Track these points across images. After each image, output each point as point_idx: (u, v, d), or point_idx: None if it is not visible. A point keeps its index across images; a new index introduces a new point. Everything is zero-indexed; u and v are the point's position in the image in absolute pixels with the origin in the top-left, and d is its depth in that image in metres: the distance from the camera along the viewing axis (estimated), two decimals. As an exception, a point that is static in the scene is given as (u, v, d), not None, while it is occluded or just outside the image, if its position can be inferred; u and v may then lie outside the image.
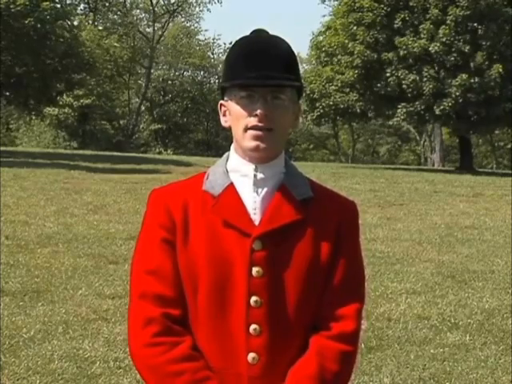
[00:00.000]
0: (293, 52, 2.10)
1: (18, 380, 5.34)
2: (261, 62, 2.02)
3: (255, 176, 2.08)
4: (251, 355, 2.04)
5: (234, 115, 2.07)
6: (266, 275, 2.04)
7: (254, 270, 2.04)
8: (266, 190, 2.09)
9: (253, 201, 2.08)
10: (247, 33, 2.16)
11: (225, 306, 2.04)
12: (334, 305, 2.09)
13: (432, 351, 6.36)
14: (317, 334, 2.08)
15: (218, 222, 2.07)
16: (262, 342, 2.04)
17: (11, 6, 28.63)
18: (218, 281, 2.04)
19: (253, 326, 2.03)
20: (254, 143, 2.04)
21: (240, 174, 2.10)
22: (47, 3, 29.94)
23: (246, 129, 2.04)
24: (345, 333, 2.08)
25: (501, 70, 28.65)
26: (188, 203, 2.10)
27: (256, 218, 2.07)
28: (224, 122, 2.14)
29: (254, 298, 2.03)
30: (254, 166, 2.08)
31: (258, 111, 2.02)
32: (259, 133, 2.03)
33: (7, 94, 31.68)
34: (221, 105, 2.14)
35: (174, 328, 2.05)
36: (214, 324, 2.05)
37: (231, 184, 2.09)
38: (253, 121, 2.03)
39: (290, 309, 2.05)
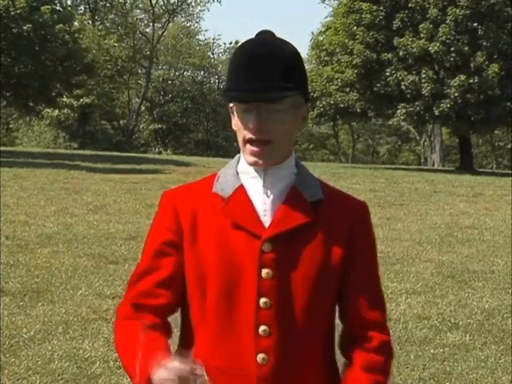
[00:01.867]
0: (295, 56, 2.07)
1: (17, 380, 5.35)
2: (256, 73, 2.00)
3: (265, 178, 2.07)
4: (260, 356, 2.03)
5: (235, 124, 2.08)
6: (276, 277, 2.03)
7: (264, 271, 2.03)
8: (276, 191, 2.08)
9: (263, 202, 2.07)
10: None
11: (234, 307, 2.04)
12: (365, 312, 2.10)
13: (432, 351, 6.36)
14: (358, 346, 2.09)
15: (227, 224, 2.06)
16: (271, 342, 2.03)
17: (11, 9, 28.64)
18: (227, 282, 2.04)
19: (262, 328, 2.03)
20: (252, 159, 2.04)
21: (250, 176, 2.09)
22: (47, 7, 29.95)
23: (245, 141, 2.04)
24: (384, 342, 2.11)
25: (497, 69, 28.64)
26: (197, 206, 2.09)
27: (266, 219, 2.06)
28: (234, 125, 2.13)
29: (263, 300, 2.03)
30: (263, 168, 2.07)
31: (250, 125, 2.01)
32: (256, 149, 2.03)
33: (7, 94, 31.68)
34: (231, 107, 2.14)
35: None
36: (223, 325, 2.05)
37: (241, 186, 2.08)
38: (248, 133, 2.03)
39: (298, 311, 2.04)
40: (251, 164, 2.05)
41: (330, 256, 2.07)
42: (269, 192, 2.08)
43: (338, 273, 2.09)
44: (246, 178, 2.09)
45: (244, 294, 2.03)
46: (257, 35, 2.10)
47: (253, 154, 2.03)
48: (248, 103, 2.02)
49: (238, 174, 2.11)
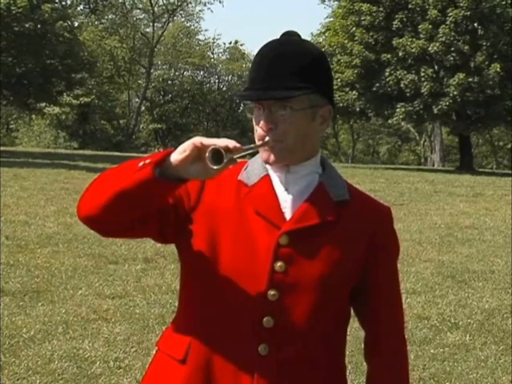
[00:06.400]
0: (312, 56, 2.04)
1: (17, 380, 5.34)
2: (266, 73, 2.01)
3: (286, 175, 2.07)
4: (262, 346, 2.03)
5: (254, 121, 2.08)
6: (288, 272, 2.03)
7: (277, 264, 2.03)
8: (296, 189, 2.07)
9: (284, 199, 2.07)
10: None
11: (241, 292, 2.03)
12: (386, 321, 2.15)
13: (432, 351, 6.37)
14: (377, 353, 2.15)
15: (248, 211, 2.05)
16: (273, 334, 2.03)
17: (12, 8, 28.66)
18: (239, 266, 2.03)
19: (266, 318, 2.03)
20: (264, 156, 2.04)
21: (273, 171, 2.09)
22: (48, 5, 29.98)
23: (258, 139, 2.04)
24: (402, 350, 2.21)
25: (498, 68, 28.68)
26: (222, 188, 2.08)
27: (287, 211, 2.05)
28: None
29: (271, 292, 2.03)
30: (285, 164, 2.07)
31: (261, 124, 2.02)
32: (266, 147, 2.03)
33: (8, 93, 31.70)
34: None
35: None
36: (226, 308, 2.04)
37: (267, 175, 2.08)
38: (260, 131, 2.03)
39: (305, 308, 2.04)
40: (264, 161, 2.06)
41: (347, 259, 2.07)
42: (289, 189, 2.07)
43: (353, 277, 2.09)
44: (271, 171, 2.09)
45: (254, 282, 2.03)
46: (281, 36, 2.10)
47: (264, 151, 2.04)
48: (259, 102, 2.02)
49: (265, 163, 2.09)
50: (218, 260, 2.04)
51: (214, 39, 64.57)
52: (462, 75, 28.90)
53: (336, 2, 37.40)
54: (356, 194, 2.15)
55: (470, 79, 29.07)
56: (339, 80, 31.42)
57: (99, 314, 6.97)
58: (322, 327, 2.08)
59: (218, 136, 2.23)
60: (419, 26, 30.06)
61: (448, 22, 29.50)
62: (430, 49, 29.63)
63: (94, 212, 1.95)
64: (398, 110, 30.62)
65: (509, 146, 53.82)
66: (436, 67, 30.43)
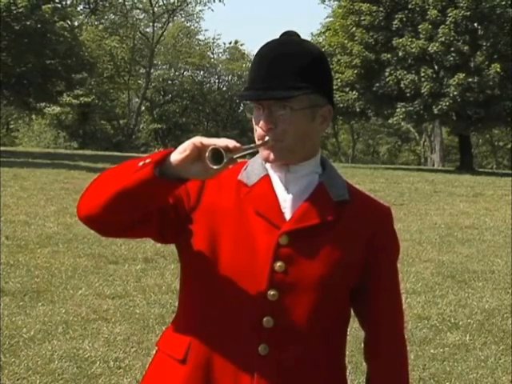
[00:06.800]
0: (312, 55, 2.04)
1: (17, 380, 5.34)
2: (266, 73, 2.01)
3: (286, 174, 2.07)
4: (262, 346, 2.03)
5: (253, 121, 2.08)
6: (288, 272, 2.03)
7: (277, 264, 2.03)
8: (296, 188, 2.07)
9: (283, 199, 2.07)
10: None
11: (241, 293, 2.03)
12: (386, 322, 2.16)
13: (432, 351, 6.37)
14: (377, 354, 2.16)
15: (248, 211, 2.05)
16: (273, 334, 2.03)
17: (12, 7, 28.70)
18: (239, 266, 2.03)
19: (266, 318, 2.03)
20: (264, 153, 2.04)
21: (273, 171, 2.09)
22: (48, 6, 30.02)
23: (258, 139, 2.04)
24: (402, 350, 2.23)
25: (498, 69, 28.69)
26: (222, 189, 2.08)
27: (287, 211, 2.05)
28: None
29: (271, 292, 2.02)
30: (284, 164, 2.07)
31: (260, 123, 2.02)
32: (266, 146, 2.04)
33: (8, 93, 31.72)
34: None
35: None
36: (226, 309, 2.04)
37: (267, 175, 2.08)
38: (260, 131, 2.03)
39: (305, 308, 2.04)
40: (263, 159, 2.06)
41: (347, 259, 2.07)
42: (289, 188, 2.07)
43: (353, 277, 2.09)
44: (271, 171, 2.09)
45: (254, 282, 2.02)
46: (280, 36, 2.10)
47: (264, 150, 2.04)
48: (259, 102, 2.02)
49: (265, 163, 2.09)
50: (218, 260, 2.04)
51: (214, 39, 64.75)
52: (461, 75, 28.92)
53: (336, 2, 37.44)
54: (356, 194, 2.14)
55: (470, 79, 29.08)
56: (339, 80, 31.42)
57: (99, 314, 6.97)
58: (322, 327, 2.07)
59: (217, 136, 2.22)
60: (419, 26, 30.08)
61: (448, 22, 29.51)
62: (429, 49, 29.64)
63: (94, 212, 1.95)
64: (398, 110, 30.64)
65: (509, 145, 53.83)
66: (436, 67, 30.44)
